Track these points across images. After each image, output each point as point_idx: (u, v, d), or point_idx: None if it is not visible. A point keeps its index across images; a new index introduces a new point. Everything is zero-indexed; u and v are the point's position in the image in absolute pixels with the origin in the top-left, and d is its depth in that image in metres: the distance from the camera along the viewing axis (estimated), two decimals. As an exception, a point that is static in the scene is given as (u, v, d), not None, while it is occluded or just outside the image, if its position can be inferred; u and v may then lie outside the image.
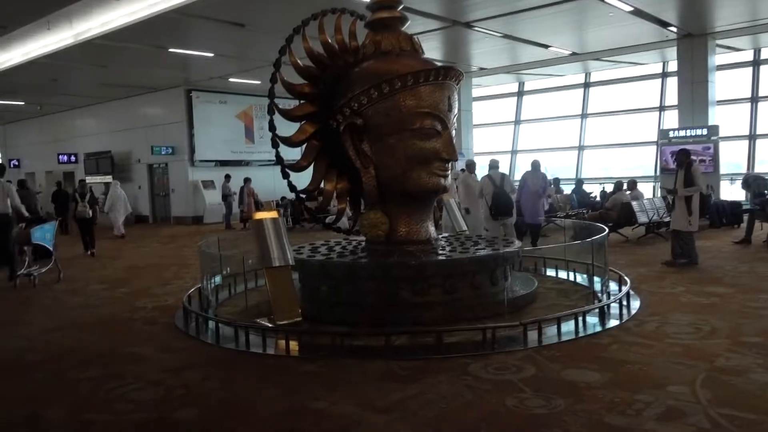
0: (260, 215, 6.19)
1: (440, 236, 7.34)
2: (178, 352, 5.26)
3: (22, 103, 22.76)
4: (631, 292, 6.47)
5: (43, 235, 9.63)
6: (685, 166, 8.63)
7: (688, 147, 15.56)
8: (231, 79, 18.96)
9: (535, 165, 10.88)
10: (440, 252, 6.43)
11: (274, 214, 6.21)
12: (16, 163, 28.72)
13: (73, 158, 24.76)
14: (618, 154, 21.77)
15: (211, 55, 15.41)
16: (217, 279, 7.34)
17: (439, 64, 6.73)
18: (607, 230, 7.07)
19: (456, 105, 6.66)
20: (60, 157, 24.73)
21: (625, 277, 6.90)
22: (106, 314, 6.90)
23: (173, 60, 15.95)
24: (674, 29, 15.02)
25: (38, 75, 17.02)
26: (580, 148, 22.03)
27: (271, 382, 4.43)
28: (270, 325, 5.75)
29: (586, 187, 16.87)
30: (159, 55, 15.21)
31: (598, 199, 16.28)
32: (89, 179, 23.49)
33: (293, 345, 5.27)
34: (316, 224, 7.70)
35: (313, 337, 5.46)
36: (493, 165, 10.41)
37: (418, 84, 6.26)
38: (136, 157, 22.25)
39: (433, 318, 5.78)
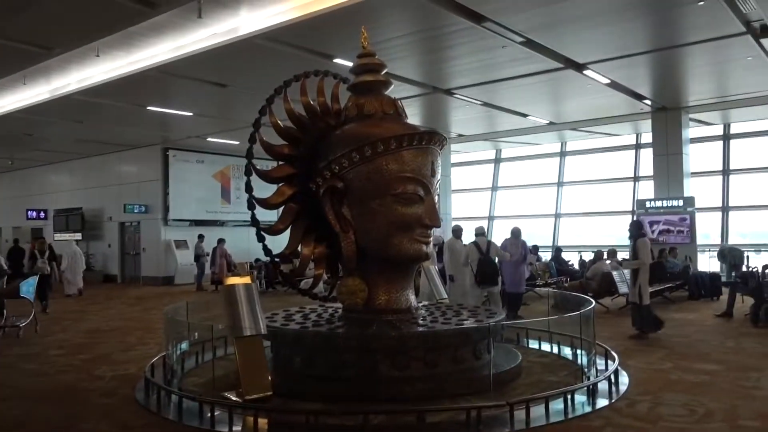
0: (232, 280, 5.86)
1: (420, 305, 7.05)
2: (135, 431, 4.81)
3: (-6, 156, 22.33)
4: (619, 368, 6.20)
5: (28, 288, 9.99)
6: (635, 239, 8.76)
7: (667, 217, 15.80)
8: (209, 139, 18.83)
9: (516, 232, 10.73)
10: (421, 322, 6.14)
11: (247, 279, 5.89)
12: (-17, 218, 27.93)
13: (42, 214, 24.13)
14: (594, 223, 21.90)
15: (190, 114, 15.30)
16: (183, 346, 6.91)
17: (422, 128, 6.61)
18: (593, 302, 6.85)
19: (439, 170, 6.53)
20: (29, 213, 24.08)
21: (612, 352, 6.64)
22: (61, 384, 6.40)
23: (152, 118, 15.80)
24: (649, 102, 15.38)
25: (12, 128, 16.71)
26: (557, 215, 22.14)
27: (237, 468, 4.01)
28: (238, 400, 5.34)
29: (564, 255, 16.80)
30: (137, 113, 15.05)
31: (576, 267, 16.19)
32: (57, 236, 22.93)
33: (262, 423, 4.86)
34: (291, 289, 7.35)
35: (285, 414, 5.05)
36: (479, 232, 10.23)
37: (401, 148, 6.12)
38: (107, 215, 21.75)
39: (414, 393, 5.43)
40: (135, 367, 6.99)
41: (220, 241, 18.13)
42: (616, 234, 20.66)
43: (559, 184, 22.31)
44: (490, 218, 23.89)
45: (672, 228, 15.74)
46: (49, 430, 4.82)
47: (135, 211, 20.19)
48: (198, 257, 18.45)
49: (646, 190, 18.88)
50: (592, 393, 5.44)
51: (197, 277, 18.30)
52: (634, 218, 16.87)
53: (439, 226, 6.47)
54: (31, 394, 5.99)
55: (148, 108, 14.48)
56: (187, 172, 20.46)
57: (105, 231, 21.94)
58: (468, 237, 11.00)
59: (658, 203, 16.24)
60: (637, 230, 8.99)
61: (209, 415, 5.00)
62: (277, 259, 6.77)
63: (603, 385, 5.66)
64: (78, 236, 22.08)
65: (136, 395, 5.83)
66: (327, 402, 5.31)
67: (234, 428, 4.85)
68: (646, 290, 8.72)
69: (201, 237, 18.61)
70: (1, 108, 14.78)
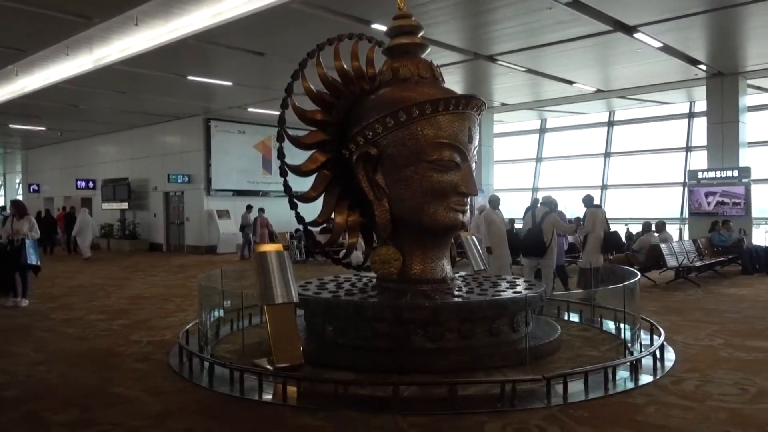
0: (264, 248, 5.79)
1: (457, 275, 6.86)
2: (166, 396, 4.81)
3: (44, 128, 22.89)
4: (665, 344, 5.91)
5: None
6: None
7: (718, 189, 15.08)
8: (250, 109, 18.84)
9: (549, 202, 10.21)
10: (456, 293, 5.95)
11: (279, 246, 5.81)
12: (36, 188, 28.86)
13: (90, 184, 24.76)
14: (642, 195, 21.16)
15: (229, 84, 15.28)
16: (218, 313, 6.91)
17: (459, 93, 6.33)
18: (639, 275, 6.52)
19: (477, 136, 6.27)
20: (78, 183, 24.73)
21: (659, 327, 6.34)
22: (99, 348, 6.49)
23: (192, 88, 15.85)
24: (703, 67, 14.59)
25: (59, 100, 17.06)
26: (603, 187, 21.47)
27: (263, 437, 3.95)
28: (269, 368, 5.30)
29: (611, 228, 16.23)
30: (178, 83, 15.11)
31: (622, 240, 15.65)
32: (105, 206, 23.54)
33: (292, 392, 4.79)
34: (325, 258, 7.25)
35: (315, 384, 4.97)
36: (545, 201, 9.78)
37: (437, 113, 5.88)
38: (152, 185, 22.14)
39: (447, 366, 5.28)
40: (171, 334, 7.04)
41: (261, 210, 18.21)
42: (666, 206, 19.98)
43: (607, 154, 21.59)
44: (534, 190, 23.36)
45: (727, 200, 15.01)
46: (80, 394, 4.85)
47: (179, 181, 20.48)
48: (243, 227, 18.59)
49: (700, 160, 18.09)
50: (635, 369, 5.18)
51: (241, 247, 18.46)
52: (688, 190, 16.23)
53: (476, 195, 6.23)
54: (68, 358, 6.08)
55: (189, 78, 14.50)
56: (229, 142, 20.58)
57: (150, 200, 22.36)
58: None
59: (712, 174, 15.49)
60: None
61: (239, 382, 4.96)
62: (310, 228, 6.66)
63: (647, 361, 5.39)
64: (125, 206, 22.64)
65: (170, 361, 5.86)
66: (358, 372, 5.22)
67: (263, 396, 4.80)
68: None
69: (249, 207, 18.64)
70: (47, 79, 15.05)
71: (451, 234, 6.52)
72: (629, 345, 5.95)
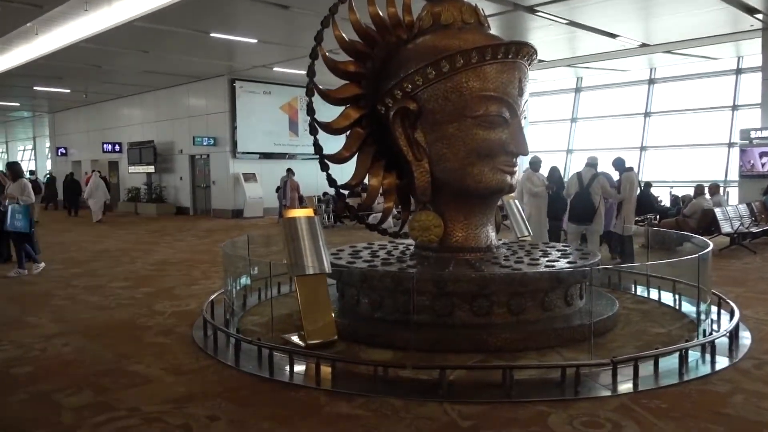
0: (293, 213, 5.28)
1: (501, 243, 6.30)
2: (188, 375, 4.38)
3: (68, 90, 22.58)
4: (740, 322, 5.30)
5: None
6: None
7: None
8: (275, 69, 18.22)
9: (593, 162, 9.49)
10: (504, 263, 5.40)
11: (309, 212, 5.30)
12: (63, 152, 28.78)
13: (117, 147, 24.53)
14: (685, 156, 20.15)
15: (254, 41, 14.66)
16: (244, 281, 6.46)
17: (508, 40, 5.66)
18: (710, 244, 5.87)
19: (527, 89, 5.62)
20: (104, 146, 24.52)
21: (730, 302, 5.72)
22: (120, 319, 6.11)
23: (216, 46, 15.27)
24: (760, 17, 13.49)
25: (81, 60, 16.65)
26: (643, 148, 20.52)
27: (294, 429, 3.49)
28: (300, 343, 4.85)
29: (653, 191, 15.44)
30: (201, 41, 14.54)
31: (666, 204, 14.88)
32: (132, 169, 23.33)
33: (326, 373, 4.33)
34: (359, 223, 6.73)
35: (350, 364, 4.50)
36: (591, 162, 9.06)
37: (484, 62, 5.24)
38: (178, 148, 21.80)
39: (496, 344, 4.76)
40: (196, 303, 6.64)
41: (290, 172, 17.69)
42: (708, 169, 18.98)
43: (646, 114, 20.57)
44: (569, 151, 22.50)
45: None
46: (96, 372, 4.46)
47: (204, 144, 20.08)
48: (279, 189, 18.13)
49: (746, 120, 17.04)
50: (711, 350, 4.60)
51: (279, 210, 18.01)
52: (735, 150, 15.31)
53: (526, 154, 5.61)
54: (86, 329, 5.71)
55: (212, 35, 13.92)
56: (254, 104, 20.04)
57: (176, 164, 22.06)
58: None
59: (766, 133, 14.50)
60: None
61: (268, 361, 4.51)
62: (342, 191, 6.13)
63: (721, 341, 4.80)
64: (151, 169, 22.38)
65: (193, 333, 5.45)
66: (397, 349, 4.74)
67: (294, 377, 4.35)
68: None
69: (289, 171, 17.94)
70: (67, 38, 14.60)
71: (497, 198, 5.97)
72: (701, 321, 5.33)
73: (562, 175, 11.55)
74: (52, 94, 23.46)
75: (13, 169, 9.29)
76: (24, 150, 41.32)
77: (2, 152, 40.62)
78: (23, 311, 6.49)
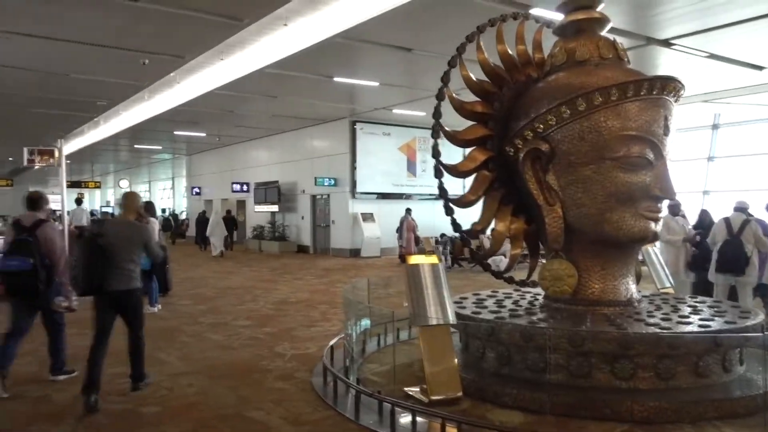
0: (416, 259, 5.07)
1: (643, 296, 5.72)
2: (307, 426, 4.23)
3: (204, 134, 24.20)
4: None
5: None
6: None
7: None
8: (395, 111, 18.46)
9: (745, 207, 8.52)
10: (649, 320, 4.84)
11: (433, 259, 5.06)
12: (198, 191, 30.78)
13: (245, 187, 25.83)
14: None
15: (376, 84, 14.92)
16: (364, 323, 6.28)
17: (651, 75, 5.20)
18: None
19: (672, 127, 5.11)
20: (233, 186, 25.91)
21: None
22: (242, 360, 6.14)
23: (339, 90, 15.73)
24: None
25: (216, 105, 17.75)
26: (792, 189, 18.51)
27: (419, 498, 3.20)
28: (423, 399, 4.57)
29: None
30: (325, 85, 15.03)
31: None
32: (257, 208, 24.42)
33: (451, 434, 4.01)
34: (483, 269, 6.39)
35: (479, 427, 4.13)
36: (740, 206, 8.20)
37: (626, 99, 4.84)
38: (300, 188, 22.55)
39: (641, 414, 4.22)
40: (315, 347, 6.58)
41: (408, 211, 17.67)
42: None
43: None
44: (705, 193, 20.80)
45: None
46: (218, 416, 4.43)
47: (325, 184, 20.61)
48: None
49: None
50: None
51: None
52: None
53: (673, 198, 5.09)
54: (210, 369, 5.77)
55: (335, 79, 14.33)
56: (374, 144, 20.37)
57: (298, 203, 22.80)
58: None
59: None
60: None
61: (389, 417, 4.26)
62: (466, 236, 5.86)
63: None
64: (275, 208, 23.28)
65: (313, 380, 5.34)
66: (528, 412, 4.33)
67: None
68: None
69: (408, 211, 18.10)
70: (205, 86, 15.63)
71: (639, 246, 5.46)
72: None
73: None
74: (190, 138, 25.26)
75: (146, 208, 9.90)
76: (164, 189, 44.76)
77: (146, 191, 44.25)
78: (155, 347, 6.70)
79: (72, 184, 27.13)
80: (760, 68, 13.87)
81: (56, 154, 12.69)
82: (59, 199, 12.98)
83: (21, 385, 5.28)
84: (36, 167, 17.63)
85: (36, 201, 5.42)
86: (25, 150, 12.89)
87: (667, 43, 11.66)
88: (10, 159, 32.59)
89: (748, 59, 13.16)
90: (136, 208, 5.37)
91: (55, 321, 5.42)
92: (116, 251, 4.79)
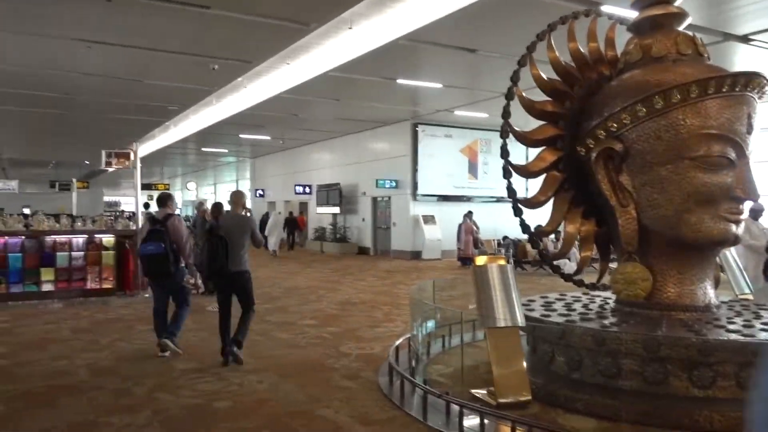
0: (484, 260, 5.02)
1: (722, 302, 5.48)
2: (376, 427, 4.25)
3: (269, 137, 24.74)
4: None
5: None
6: None
7: None
8: (457, 112, 18.36)
9: None
10: (729, 326, 4.63)
11: (501, 260, 5.00)
12: (261, 193, 31.48)
13: (307, 189, 26.24)
14: None
15: (439, 86, 14.88)
16: (430, 325, 6.27)
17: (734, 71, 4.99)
18: None
19: (756, 126, 4.88)
20: (296, 188, 26.37)
21: None
22: (309, 359, 6.23)
23: (402, 92, 15.78)
24: None
25: (282, 109, 18.11)
26: None
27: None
28: (490, 401, 4.52)
29: None
30: (388, 87, 15.10)
31: None
32: (320, 210, 24.74)
33: (520, 438, 3.95)
34: (553, 272, 6.26)
35: None
36: None
37: (706, 96, 4.65)
38: (361, 190, 22.72)
39: (722, 425, 4.03)
40: (380, 347, 6.61)
41: (468, 214, 17.58)
42: None
43: None
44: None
45: None
46: (287, 413, 4.50)
47: (386, 186, 20.70)
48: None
49: None
50: None
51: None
52: None
53: (757, 199, 4.85)
54: (279, 367, 5.87)
55: (398, 81, 14.38)
56: (435, 147, 20.32)
57: (359, 205, 22.97)
58: None
59: None
60: None
61: (458, 418, 4.23)
62: (536, 237, 5.76)
63: None
64: (336, 210, 23.55)
65: (379, 379, 5.36)
66: (601, 419, 4.22)
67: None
68: None
69: (469, 213, 18.10)
70: (271, 90, 15.98)
71: (718, 250, 5.24)
72: None
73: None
74: (255, 141, 25.87)
75: (214, 209, 10.21)
76: (229, 191, 46.09)
77: (212, 193, 45.60)
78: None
79: (144, 186, 28.26)
80: None
81: (131, 156, 13.25)
82: (133, 201, 13.54)
83: (102, 376, 5.54)
84: (111, 169, 18.42)
85: (164, 200, 6.70)
86: (103, 153, 13.51)
87: (745, 38, 11.15)
88: (86, 162, 34.22)
89: (834, 54, 12.43)
90: (243, 203, 6.52)
91: (184, 298, 6.52)
92: (231, 239, 5.95)
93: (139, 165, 13.46)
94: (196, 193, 47.01)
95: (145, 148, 27.53)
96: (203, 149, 29.16)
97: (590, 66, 5.65)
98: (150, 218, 6.60)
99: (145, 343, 6.79)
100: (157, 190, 33.68)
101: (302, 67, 13.97)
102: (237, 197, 6.52)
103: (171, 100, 17.35)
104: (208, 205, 15.27)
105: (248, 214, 6.55)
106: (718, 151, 4.66)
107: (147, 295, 10.19)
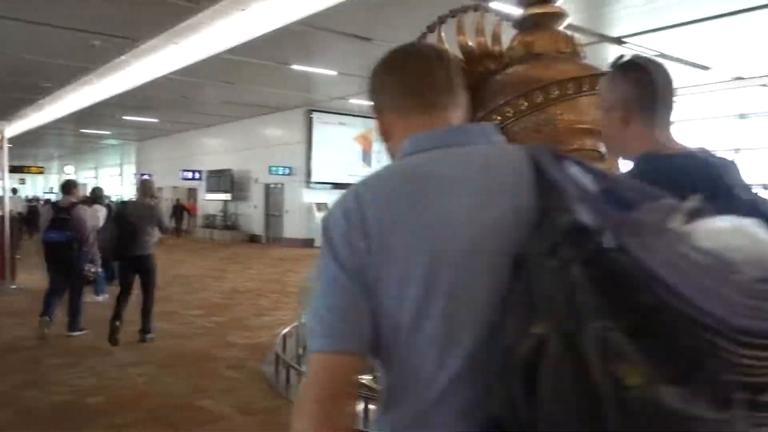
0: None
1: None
2: (259, 417, 4.19)
3: (157, 120, 23.58)
4: None
5: None
6: None
7: None
8: (352, 101, 18.37)
9: None
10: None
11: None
12: (147, 179, 30.01)
13: (196, 175, 25.32)
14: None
15: (333, 73, 14.82)
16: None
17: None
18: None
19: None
20: (183, 173, 25.36)
21: None
22: (193, 350, 6.04)
23: (295, 78, 15.56)
24: None
25: (169, 91, 17.30)
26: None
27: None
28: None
29: None
30: (282, 72, 14.84)
31: None
32: (209, 196, 23.98)
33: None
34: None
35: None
36: None
37: (581, 93, 4.89)
38: (254, 177, 22.24)
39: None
40: (266, 336, 6.51)
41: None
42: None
43: None
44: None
45: None
46: (168, 406, 4.34)
47: (279, 173, 20.40)
48: None
49: None
50: None
51: None
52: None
53: (623, 192, 5.21)
54: (161, 359, 5.65)
55: (292, 66, 14.17)
56: (330, 134, 20.26)
57: (251, 192, 22.49)
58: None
59: None
60: None
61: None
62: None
63: None
64: (227, 196, 22.92)
65: (264, 369, 5.28)
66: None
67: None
68: None
69: None
70: (159, 71, 15.21)
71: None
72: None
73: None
74: (140, 123, 24.57)
75: (93, 193, 9.60)
76: (112, 176, 43.57)
77: (93, 177, 42.98)
78: (100, 337, 6.47)
79: (13, 169, 26.07)
80: (705, 68, 14.37)
81: (-2, 136, 12.18)
82: (-1, 185, 12.48)
83: None
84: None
85: (69, 187, 6.79)
86: (-36, 131, 12.31)
87: (619, 40, 11.94)
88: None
89: (693, 59, 13.61)
90: (151, 193, 6.85)
91: (80, 287, 6.68)
92: (139, 225, 6.26)
93: (6, 146, 12.41)
94: (75, 178, 44.12)
95: (16, 128, 25.38)
96: (82, 130, 27.32)
97: (477, 60, 5.80)
98: (53, 205, 6.75)
99: (12, 338, 6.28)
100: (30, 173, 31.27)
101: (192, 48, 13.40)
102: (145, 186, 6.84)
103: (45, 76, 16.10)
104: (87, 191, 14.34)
105: (155, 203, 6.81)
106: (590, 145, 4.93)
107: (14, 287, 9.46)
